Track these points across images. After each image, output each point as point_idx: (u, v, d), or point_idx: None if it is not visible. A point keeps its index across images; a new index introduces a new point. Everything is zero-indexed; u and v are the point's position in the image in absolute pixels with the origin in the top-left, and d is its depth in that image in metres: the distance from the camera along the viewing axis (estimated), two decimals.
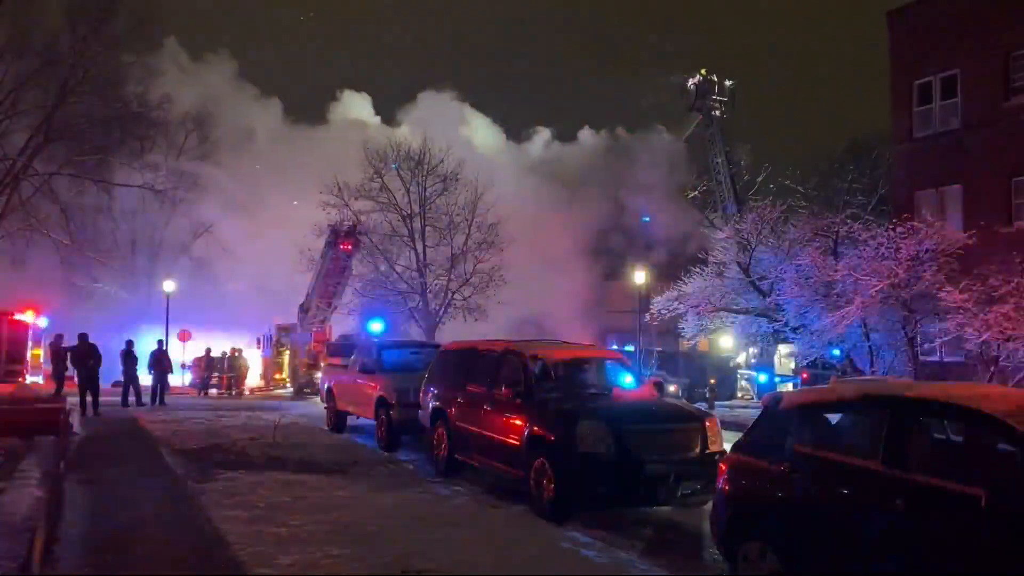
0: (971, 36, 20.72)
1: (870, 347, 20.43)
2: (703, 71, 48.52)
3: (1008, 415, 5.18)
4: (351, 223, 31.47)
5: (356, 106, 55.05)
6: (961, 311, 17.99)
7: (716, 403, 24.79)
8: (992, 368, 18.13)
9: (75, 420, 16.70)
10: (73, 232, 32.57)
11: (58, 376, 20.94)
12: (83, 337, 20.21)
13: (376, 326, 28.27)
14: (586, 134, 56.89)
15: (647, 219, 48.93)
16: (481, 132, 52.74)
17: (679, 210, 46.96)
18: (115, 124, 32.55)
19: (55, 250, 32.64)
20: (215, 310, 40.92)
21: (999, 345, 17.73)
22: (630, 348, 32.80)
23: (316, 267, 32.02)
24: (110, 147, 33.21)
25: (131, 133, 33.94)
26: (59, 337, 21.61)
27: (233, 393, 29.89)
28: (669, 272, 33.94)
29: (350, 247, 31.09)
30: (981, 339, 17.74)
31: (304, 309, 32.38)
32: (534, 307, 41.04)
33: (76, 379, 20.08)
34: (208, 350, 31.42)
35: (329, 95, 56.20)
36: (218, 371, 31.04)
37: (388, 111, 55.18)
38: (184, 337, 36.00)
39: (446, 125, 44.78)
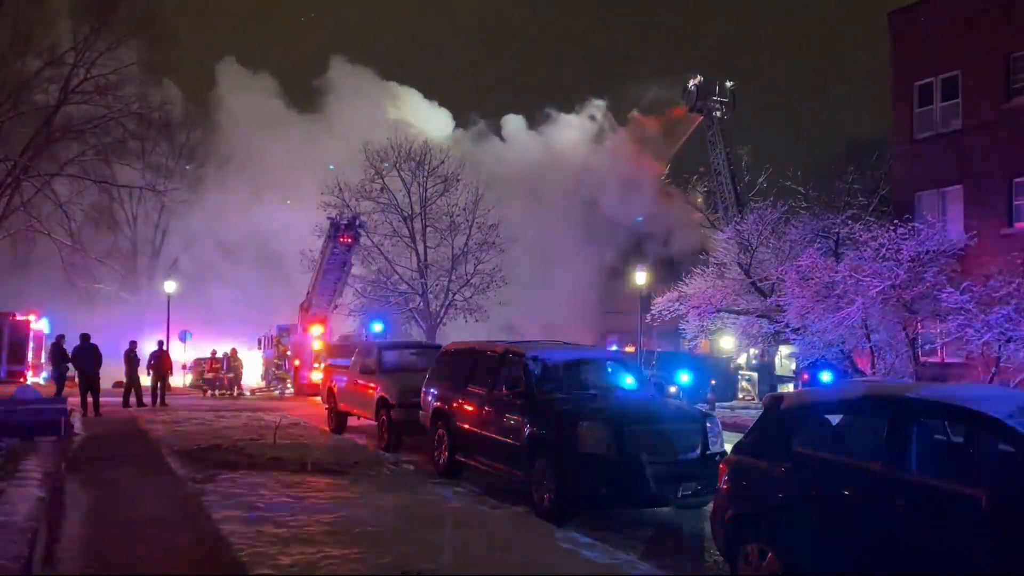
0: (972, 37, 20.71)
1: (871, 348, 20.41)
2: (698, 78, 48.47)
3: (1009, 416, 5.19)
4: (350, 216, 31.51)
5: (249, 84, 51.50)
6: (962, 312, 18.00)
7: (717, 404, 24.79)
8: (993, 369, 18.12)
9: (76, 421, 16.71)
10: (74, 233, 32.61)
11: (59, 377, 20.96)
12: (85, 338, 20.23)
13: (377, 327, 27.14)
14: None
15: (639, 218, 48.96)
16: (420, 114, 50.95)
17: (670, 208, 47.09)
18: (116, 125, 32.60)
19: (56, 251, 32.69)
20: (214, 311, 41.02)
21: (1000, 346, 17.73)
22: (630, 349, 32.81)
23: (316, 264, 32.06)
24: (111, 148, 33.24)
25: (132, 134, 33.96)
26: (61, 338, 21.64)
27: (234, 394, 29.91)
28: (667, 272, 34.00)
29: (350, 240, 31.13)
30: (982, 340, 17.74)
31: (304, 308, 32.41)
32: (534, 308, 41.03)
33: (77, 380, 20.11)
34: (214, 352, 31.55)
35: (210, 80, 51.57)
36: (219, 372, 31.12)
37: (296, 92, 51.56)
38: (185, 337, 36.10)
39: (368, 105, 43.67)
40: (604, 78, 77.01)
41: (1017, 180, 19.84)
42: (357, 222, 31.50)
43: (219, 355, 31.24)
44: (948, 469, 5.48)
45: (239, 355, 31.64)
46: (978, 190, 20.49)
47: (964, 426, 6.03)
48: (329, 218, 31.39)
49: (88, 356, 19.92)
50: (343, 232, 30.88)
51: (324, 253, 31.53)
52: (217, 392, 30.07)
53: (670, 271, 35.50)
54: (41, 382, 24.19)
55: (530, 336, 27.63)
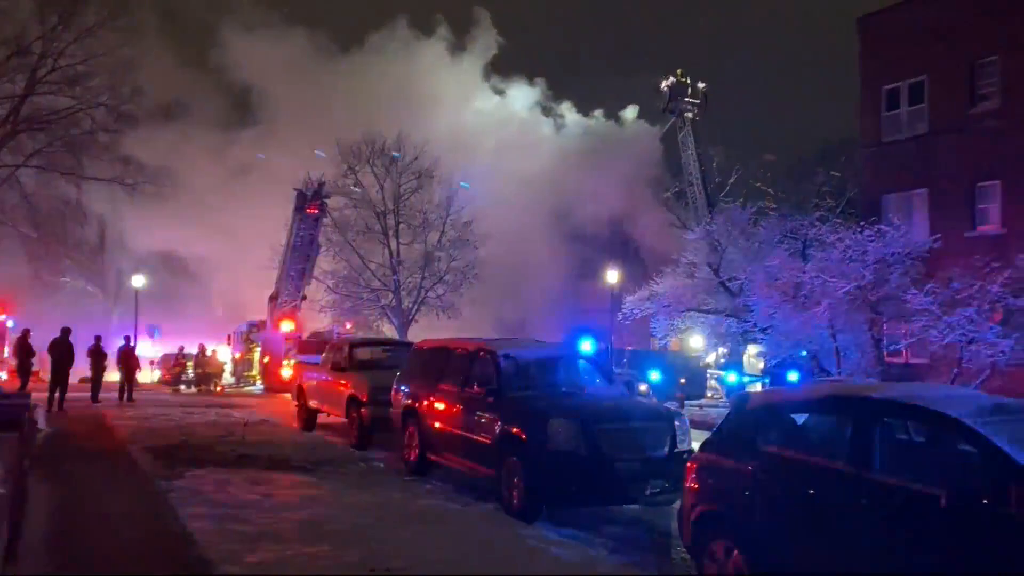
0: (939, 44, 21.03)
1: (837, 348, 20.68)
2: (679, 72, 48.55)
3: (969, 416, 5.29)
4: (317, 183, 31.20)
5: None
6: (926, 313, 18.30)
7: (686, 402, 24.98)
8: (955, 370, 18.44)
9: (40, 416, 16.45)
10: (40, 225, 32.13)
11: (23, 371, 20.64)
12: (65, 331, 19.96)
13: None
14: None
15: None
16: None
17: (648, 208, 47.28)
18: (84, 116, 32.15)
19: (20, 244, 32.19)
20: (184, 307, 40.60)
21: (962, 347, 18.05)
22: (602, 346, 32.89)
23: (283, 247, 31.77)
24: (79, 140, 32.77)
25: (101, 125, 33.48)
26: (27, 332, 21.32)
27: (203, 389, 29.64)
28: (638, 271, 34.18)
29: (316, 211, 30.86)
30: (945, 341, 18.06)
31: (273, 298, 32.10)
32: (507, 306, 41.06)
33: (49, 373, 19.78)
34: (181, 348, 31.24)
35: None
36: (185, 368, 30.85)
37: None
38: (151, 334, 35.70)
39: None
40: (572, 74, 76.49)
41: (980, 184, 20.21)
42: (323, 191, 31.18)
43: (186, 351, 30.94)
44: (910, 468, 5.57)
45: (211, 351, 31.35)
46: (943, 193, 20.84)
47: (926, 426, 6.13)
48: (295, 189, 31.10)
49: (64, 350, 19.62)
50: (309, 202, 30.56)
51: (291, 229, 31.18)
52: (183, 388, 29.78)
53: (641, 270, 35.74)
54: (3, 376, 23.79)
55: (500, 334, 27.67)
